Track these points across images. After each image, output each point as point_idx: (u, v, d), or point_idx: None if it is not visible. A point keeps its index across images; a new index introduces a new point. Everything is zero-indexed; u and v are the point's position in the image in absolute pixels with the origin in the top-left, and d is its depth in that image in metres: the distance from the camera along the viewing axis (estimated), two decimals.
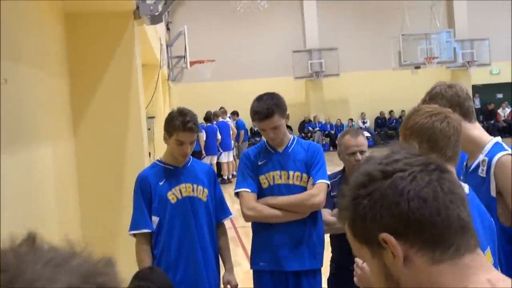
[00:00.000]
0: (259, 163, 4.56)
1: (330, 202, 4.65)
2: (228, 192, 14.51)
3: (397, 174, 1.34)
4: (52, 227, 4.58)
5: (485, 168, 3.32)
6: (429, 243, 1.32)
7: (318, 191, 4.46)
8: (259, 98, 4.53)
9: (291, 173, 4.52)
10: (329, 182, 4.53)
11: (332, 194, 4.67)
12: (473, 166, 3.43)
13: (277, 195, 4.51)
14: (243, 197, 4.54)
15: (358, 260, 2.80)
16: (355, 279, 2.85)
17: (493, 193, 3.34)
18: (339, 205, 1.44)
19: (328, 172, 4.60)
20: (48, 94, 4.83)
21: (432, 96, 3.39)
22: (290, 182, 4.51)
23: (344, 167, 4.79)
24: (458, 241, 1.34)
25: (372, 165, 1.38)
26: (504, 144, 3.43)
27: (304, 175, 4.53)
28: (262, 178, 4.55)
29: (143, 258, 4.43)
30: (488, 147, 3.39)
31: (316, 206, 4.49)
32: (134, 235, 4.46)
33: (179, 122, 4.32)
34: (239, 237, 9.59)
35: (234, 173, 19.63)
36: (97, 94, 5.69)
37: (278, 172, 4.53)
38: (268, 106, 4.43)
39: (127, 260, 5.56)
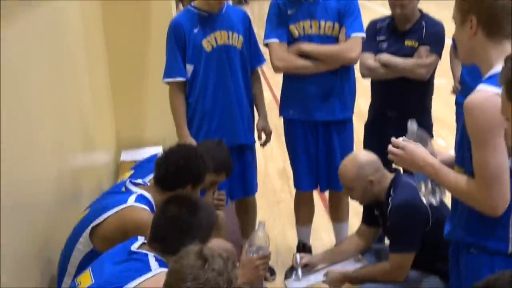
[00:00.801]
0: (289, 12, 4.34)
1: (374, 46, 4.49)
2: None
3: None
4: (80, 72, 4.47)
5: None
6: None
7: (355, 45, 4.29)
8: None
9: (322, 22, 4.31)
10: (364, 35, 4.35)
11: (378, 38, 4.50)
12: None
13: None
14: (273, 47, 4.38)
15: (396, 140, 2.72)
16: (392, 157, 2.77)
17: None
18: (503, 67, 1.59)
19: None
20: None
21: None
22: (321, 32, 4.32)
23: None
24: None
25: None
26: None
27: (336, 25, 4.32)
28: (292, 28, 4.35)
29: (177, 107, 4.37)
30: None
31: (351, 61, 4.36)
32: (168, 83, 4.36)
33: None
34: (266, 79, 9.51)
35: None
36: None
37: (308, 21, 4.32)
38: None
39: (155, 106, 5.57)
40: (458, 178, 2.57)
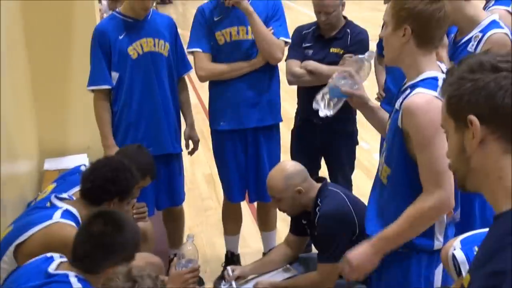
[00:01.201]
0: (215, 19, 4.32)
1: (300, 53, 4.51)
2: (168, 14, 14.33)
3: (503, 73, 1.50)
4: (4, 90, 4.33)
5: (475, 43, 3.25)
6: (509, 136, 1.51)
7: (281, 47, 4.31)
8: None
9: (250, 28, 4.29)
10: (289, 40, 4.39)
11: (304, 45, 4.52)
12: (463, 41, 3.36)
13: (235, 51, 4.33)
14: (196, 57, 4.37)
15: (345, 257, 2.80)
16: (350, 278, 2.85)
17: None
18: (444, 79, 1.63)
19: None
20: None
21: None
22: (250, 37, 4.31)
23: None
24: None
25: (488, 57, 1.55)
26: (501, 23, 3.34)
27: None
28: (218, 34, 4.32)
29: (102, 116, 4.29)
30: (484, 23, 3.32)
31: (276, 59, 4.35)
32: (93, 90, 4.28)
33: None
34: (191, 82, 9.45)
35: None
36: None
37: (235, 27, 4.31)
38: None
39: (79, 112, 5.45)
40: (404, 214, 2.62)
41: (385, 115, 2.99)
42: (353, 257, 2.75)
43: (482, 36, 3.28)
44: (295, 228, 3.90)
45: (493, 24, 3.33)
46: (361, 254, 2.73)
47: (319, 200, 3.61)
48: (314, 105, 3.01)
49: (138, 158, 3.79)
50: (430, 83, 2.56)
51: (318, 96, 3.00)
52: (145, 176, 3.85)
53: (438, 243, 2.68)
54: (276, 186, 3.67)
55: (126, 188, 3.31)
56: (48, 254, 2.72)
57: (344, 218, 3.52)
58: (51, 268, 2.58)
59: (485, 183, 1.56)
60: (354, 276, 2.81)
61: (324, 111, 2.98)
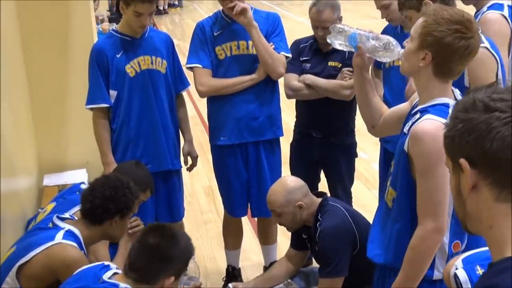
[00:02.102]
0: (215, 34, 4.32)
1: (298, 66, 4.53)
2: (165, 25, 14.41)
3: (495, 113, 1.40)
4: (3, 106, 4.33)
5: None
6: (500, 182, 1.41)
7: (282, 62, 4.31)
8: None
9: (250, 42, 4.29)
10: (290, 55, 4.38)
11: (301, 58, 4.53)
12: None
13: (235, 66, 4.33)
14: (196, 73, 4.36)
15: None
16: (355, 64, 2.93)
17: None
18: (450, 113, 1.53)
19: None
20: None
21: None
22: (250, 52, 4.31)
23: None
24: None
25: (482, 95, 1.44)
26: (482, 37, 3.23)
27: None
28: (218, 49, 4.32)
29: (100, 133, 4.30)
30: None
31: (278, 75, 4.34)
32: (91, 109, 4.29)
33: None
34: (189, 95, 9.47)
35: (171, 2, 19.15)
36: None
37: (235, 42, 4.32)
38: None
39: (78, 128, 5.46)
40: (404, 259, 2.62)
41: (373, 93, 2.97)
42: None
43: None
44: (295, 243, 3.91)
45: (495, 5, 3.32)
46: None
47: (319, 215, 3.63)
48: (331, 28, 3.03)
49: (136, 173, 3.82)
50: (441, 109, 2.53)
51: (339, 27, 2.99)
52: (145, 190, 3.88)
53: (438, 274, 2.66)
54: (277, 201, 3.68)
55: (126, 205, 3.33)
56: (106, 263, 2.91)
57: (345, 233, 3.53)
58: (106, 276, 2.74)
59: (481, 229, 1.47)
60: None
61: (332, 40, 3.00)
